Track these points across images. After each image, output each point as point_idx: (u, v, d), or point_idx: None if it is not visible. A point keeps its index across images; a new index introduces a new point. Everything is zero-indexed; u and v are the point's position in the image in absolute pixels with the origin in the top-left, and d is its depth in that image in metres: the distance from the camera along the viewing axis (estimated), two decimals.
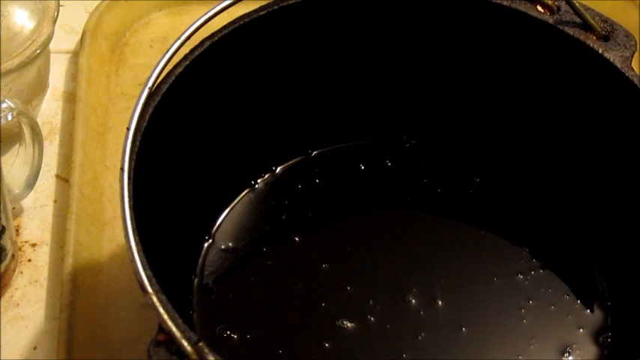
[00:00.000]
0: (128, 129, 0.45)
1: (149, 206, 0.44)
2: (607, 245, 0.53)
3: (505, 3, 0.51)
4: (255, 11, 0.50)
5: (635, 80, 0.49)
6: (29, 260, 0.57)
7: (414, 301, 0.52)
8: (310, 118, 0.57)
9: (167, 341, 0.39)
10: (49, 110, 0.64)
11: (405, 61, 0.55)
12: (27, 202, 0.59)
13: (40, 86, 0.62)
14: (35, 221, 0.58)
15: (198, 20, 0.49)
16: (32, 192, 0.58)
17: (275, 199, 0.56)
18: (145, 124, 0.45)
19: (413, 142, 0.58)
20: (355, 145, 0.58)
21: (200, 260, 0.53)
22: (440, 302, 0.52)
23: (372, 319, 0.51)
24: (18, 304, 0.55)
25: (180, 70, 0.48)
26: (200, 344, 0.39)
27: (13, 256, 0.55)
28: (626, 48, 0.50)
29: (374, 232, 0.55)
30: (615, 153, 0.52)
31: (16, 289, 0.55)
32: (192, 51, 0.49)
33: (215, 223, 0.55)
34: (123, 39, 0.67)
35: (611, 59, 0.50)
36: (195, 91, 0.50)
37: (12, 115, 0.53)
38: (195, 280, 0.53)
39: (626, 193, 0.52)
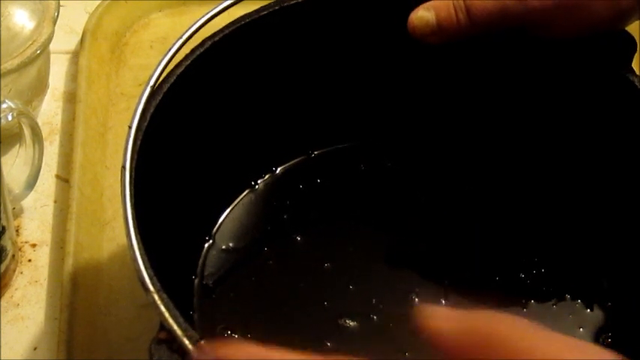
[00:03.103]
0: (130, 127, 0.45)
1: (149, 206, 0.44)
2: (608, 245, 0.53)
3: None
4: (256, 11, 0.51)
5: (635, 81, 0.49)
6: (29, 260, 0.56)
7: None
8: (310, 118, 0.57)
9: (168, 339, 0.39)
10: (49, 110, 0.64)
11: (406, 61, 0.55)
12: (27, 203, 0.59)
13: (40, 87, 0.62)
14: (35, 221, 0.58)
15: (199, 20, 0.49)
16: (32, 192, 0.58)
17: (275, 199, 0.56)
18: (146, 123, 0.45)
19: (413, 142, 0.58)
20: (355, 145, 0.58)
21: (200, 261, 0.53)
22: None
23: (375, 317, 0.51)
24: (18, 305, 0.55)
25: (181, 69, 0.48)
26: (202, 342, 0.39)
27: (14, 256, 0.55)
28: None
29: (375, 231, 0.55)
30: (615, 153, 0.52)
31: (16, 289, 0.55)
32: (193, 51, 0.49)
33: (215, 224, 0.55)
34: (123, 39, 0.67)
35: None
36: (196, 91, 0.50)
37: (12, 115, 0.53)
38: (196, 281, 0.53)
39: (626, 193, 0.52)
